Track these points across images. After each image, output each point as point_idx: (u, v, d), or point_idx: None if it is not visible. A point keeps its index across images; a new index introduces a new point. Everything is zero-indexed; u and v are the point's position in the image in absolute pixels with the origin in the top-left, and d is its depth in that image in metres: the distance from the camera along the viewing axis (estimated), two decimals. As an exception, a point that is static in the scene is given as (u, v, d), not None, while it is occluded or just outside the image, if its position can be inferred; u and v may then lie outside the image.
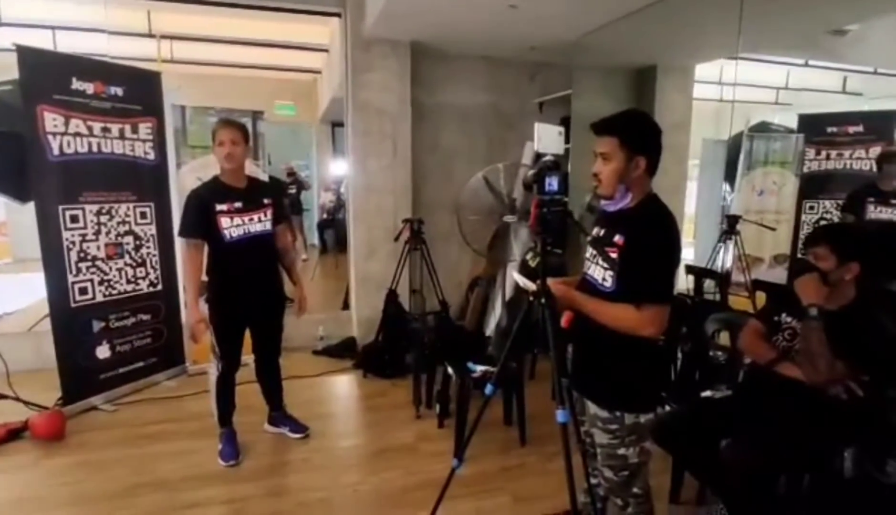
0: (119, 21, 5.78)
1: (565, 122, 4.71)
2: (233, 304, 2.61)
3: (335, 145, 9.67)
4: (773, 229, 4.63)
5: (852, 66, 7.12)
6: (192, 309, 2.57)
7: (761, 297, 3.94)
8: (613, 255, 1.60)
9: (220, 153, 2.51)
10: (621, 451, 1.69)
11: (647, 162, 1.60)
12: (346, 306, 4.88)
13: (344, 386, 3.84)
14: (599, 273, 1.68)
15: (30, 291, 5.52)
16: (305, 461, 2.78)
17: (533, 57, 4.54)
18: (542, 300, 1.59)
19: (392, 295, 3.95)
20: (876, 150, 4.48)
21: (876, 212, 3.78)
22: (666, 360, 2.65)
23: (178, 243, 3.63)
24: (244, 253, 2.57)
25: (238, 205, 2.54)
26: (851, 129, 5.03)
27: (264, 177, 3.52)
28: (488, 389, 1.80)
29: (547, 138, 1.24)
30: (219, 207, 2.50)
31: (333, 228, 8.22)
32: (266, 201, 2.65)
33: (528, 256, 1.67)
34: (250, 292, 2.61)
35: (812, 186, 5.10)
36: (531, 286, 1.71)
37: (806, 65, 7.29)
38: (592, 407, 1.74)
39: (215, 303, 2.60)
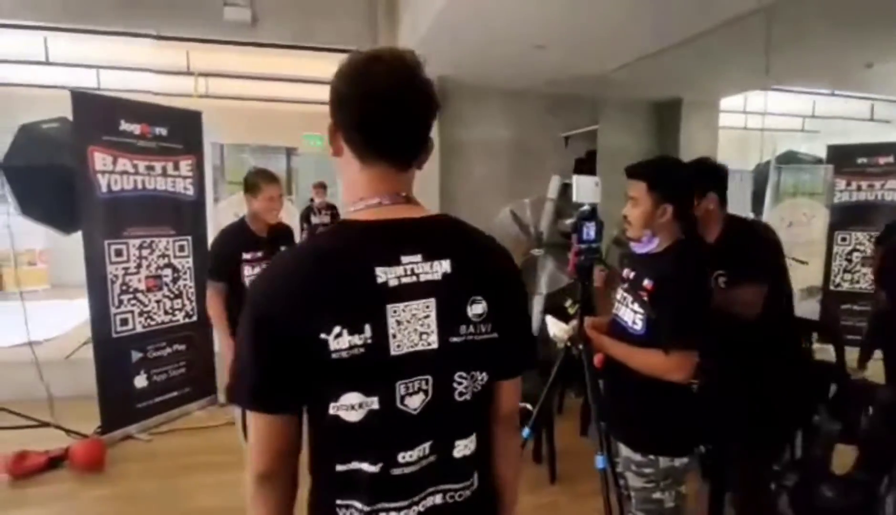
0: (160, 60, 6.07)
1: (591, 156, 4.77)
2: None
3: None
4: (804, 263, 4.55)
5: (880, 96, 7.07)
6: (226, 346, 2.67)
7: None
8: (643, 299, 1.63)
9: (268, 207, 2.65)
10: (657, 495, 1.68)
11: (675, 209, 1.63)
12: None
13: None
14: (630, 316, 1.70)
15: (66, 318, 5.69)
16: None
17: (557, 91, 4.62)
18: (581, 346, 1.61)
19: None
20: (908, 182, 4.42)
21: (912, 245, 3.71)
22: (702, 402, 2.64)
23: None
24: None
25: (259, 254, 2.69)
26: (882, 160, 4.96)
27: (295, 214, 3.65)
28: (525, 433, 1.82)
29: (584, 188, 1.29)
30: (244, 256, 2.65)
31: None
32: (283, 249, 2.76)
33: (567, 303, 1.70)
34: None
35: (843, 218, 5.03)
36: (564, 334, 1.74)
37: (832, 94, 7.24)
38: (625, 450, 1.74)
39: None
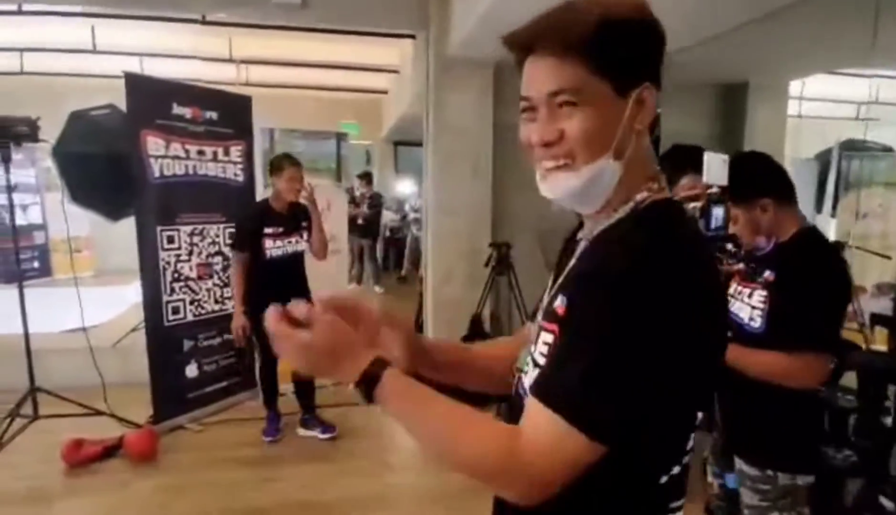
0: (202, 47, 6.04)
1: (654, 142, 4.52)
2: (268, 304, 2.82)
3: (397, 165, 9.75)
4: (888, 258, 4.25)
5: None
6: (238, 314, 2.98)
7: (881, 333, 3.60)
8: (763, 293, 1.46)
9: (290, 188, 2.95)
10: (773, 516, 1.51)
11: (774, 200, 1.50)
12: (417, 329, 4.82)
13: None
14: (746, 312, 1.53)
15: (111, 304, 5.72)
16: (381, 498, 2.72)
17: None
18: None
19: (477, 320, 3.85)
20: None
21: None
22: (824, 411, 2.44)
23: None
24: (280, 265, 3.02)
25: (280, 229, 2.99)
26: (966, 148, 4.61)
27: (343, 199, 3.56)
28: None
29: (714, 168, 1.11)
30: (266, 230, 2.94)
31: (395, 247, 8.26)
32: (304, 225, 3.10)
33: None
34: (284, 295, 2.76)
35: (923, 210, 4.70)
36: None
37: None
38: (738, 462, 1.57)
39: (255, 305, 2.94)
